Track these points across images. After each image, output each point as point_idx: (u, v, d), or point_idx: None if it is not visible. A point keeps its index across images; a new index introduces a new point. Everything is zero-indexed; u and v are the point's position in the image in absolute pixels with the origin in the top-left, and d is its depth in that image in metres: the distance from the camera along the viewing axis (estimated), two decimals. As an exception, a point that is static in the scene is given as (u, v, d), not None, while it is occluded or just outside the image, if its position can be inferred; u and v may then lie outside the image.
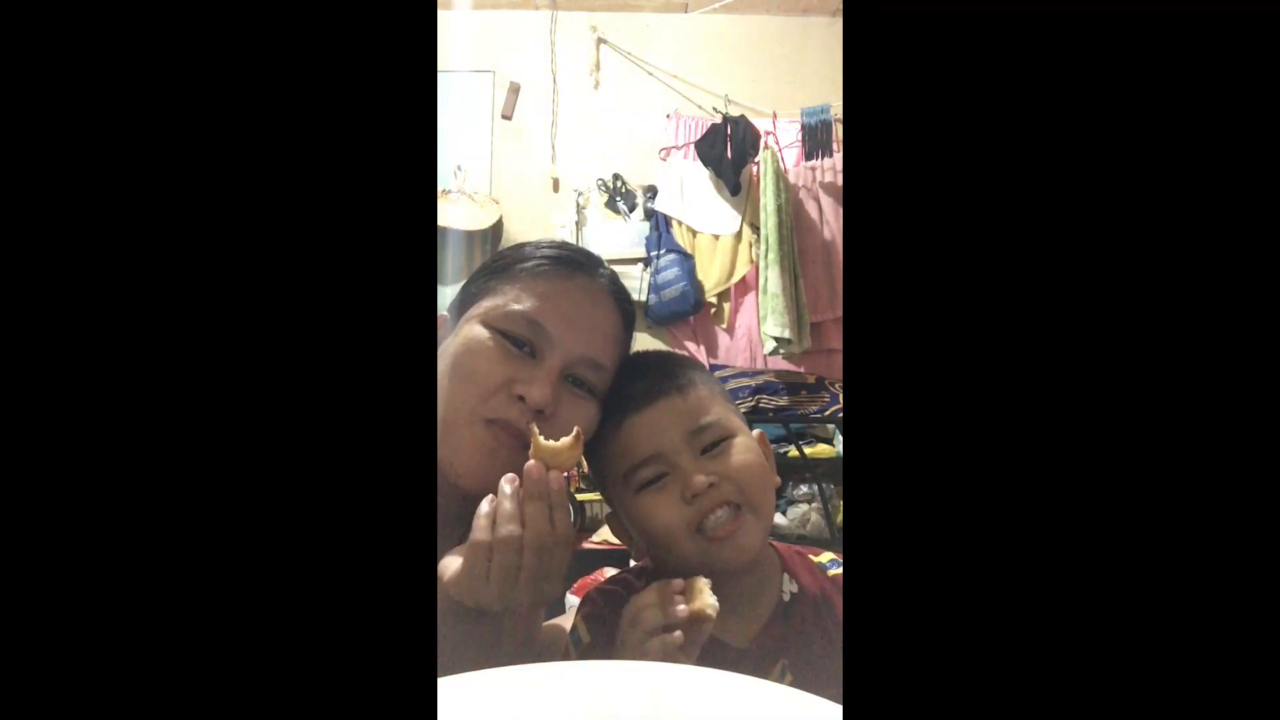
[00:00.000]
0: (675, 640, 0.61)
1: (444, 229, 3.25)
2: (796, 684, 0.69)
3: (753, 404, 2.89)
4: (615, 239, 3.48)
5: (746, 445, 0.73)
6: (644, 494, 0.71)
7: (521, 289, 0.74)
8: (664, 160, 3.50)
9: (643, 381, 0.74)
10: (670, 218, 3.44)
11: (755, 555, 0.73)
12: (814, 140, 3.41)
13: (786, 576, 0.75)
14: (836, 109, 3.35)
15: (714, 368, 3.22)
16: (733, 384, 2.95)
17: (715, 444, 0.72)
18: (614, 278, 0.81)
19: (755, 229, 3.35)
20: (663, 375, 0.75)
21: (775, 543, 0.79)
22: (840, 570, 0.79)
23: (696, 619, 0.62)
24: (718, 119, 3.40)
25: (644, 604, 0.64)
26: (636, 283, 3.37)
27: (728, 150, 3.31)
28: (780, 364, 3.28)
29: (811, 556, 0.81)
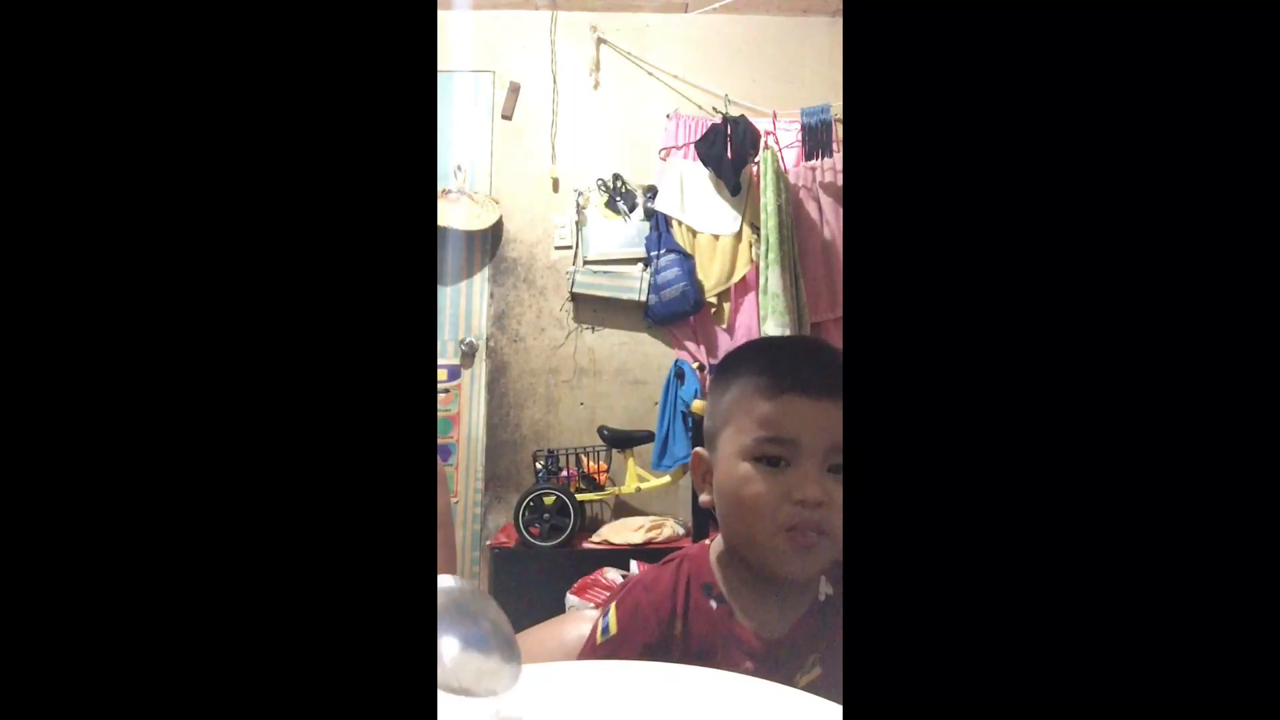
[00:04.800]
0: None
1: (444, 229, 3.25)
2: (824, 676, 0.71)
3: (753, 404, 2.88)
4: (615, 239, 3.48)
5: None
6: (754, 464, 0.71)
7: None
8: (664, 160, 3.50)
9: (816, 371, 0.73)
10: (670, 218, 3.44)
11: (810, 579, 0.74)
12: (814, 140, 3.40)
13: (823, 579, 0.77)
14: (836, 109, 3.35)
15: (714, 368, 3.23)
16: (733, 384, 2.94)
17: (839, 468, 0.71)
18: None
19: (755, 229, 3.35)
20: (832, 375, 0.72)
21: None
22: None
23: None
24: (718, 119, 3.39)
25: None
26: (636, 283, 3.36)
27: (728, 150, 3.30)
28: (780, 364, 3.27)
29: None
